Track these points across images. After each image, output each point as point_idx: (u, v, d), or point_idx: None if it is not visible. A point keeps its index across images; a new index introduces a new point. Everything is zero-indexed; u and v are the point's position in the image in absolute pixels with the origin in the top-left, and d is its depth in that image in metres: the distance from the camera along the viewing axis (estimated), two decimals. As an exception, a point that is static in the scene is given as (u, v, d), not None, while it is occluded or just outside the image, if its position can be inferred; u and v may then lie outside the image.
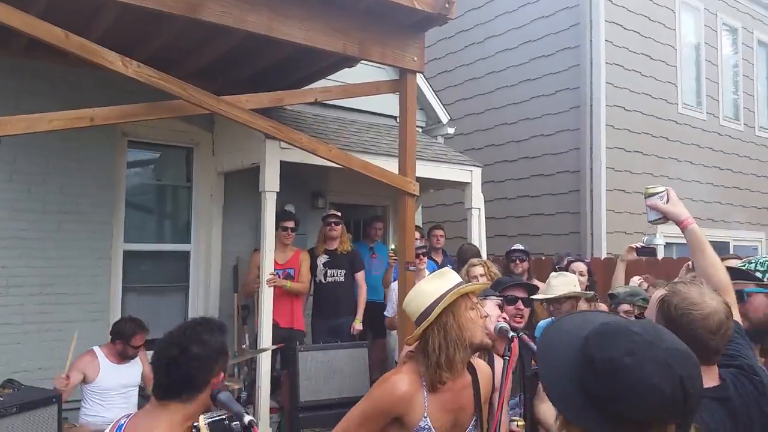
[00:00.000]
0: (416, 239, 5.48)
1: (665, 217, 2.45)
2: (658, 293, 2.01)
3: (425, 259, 5.62)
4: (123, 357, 4.55)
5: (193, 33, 4.73)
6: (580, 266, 5.29)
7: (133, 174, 6.38)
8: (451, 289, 2.31)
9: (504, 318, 2.81)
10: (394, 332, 6.14)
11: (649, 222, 2.57)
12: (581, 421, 1.14)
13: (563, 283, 4.22)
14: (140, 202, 6.48)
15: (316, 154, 4.63)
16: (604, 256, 8.06)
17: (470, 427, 2.44)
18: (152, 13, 3.72)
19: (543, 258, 7.63)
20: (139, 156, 6.41)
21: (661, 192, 2.48)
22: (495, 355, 2.83)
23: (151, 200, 6.65)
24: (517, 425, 2.72)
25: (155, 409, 1.98)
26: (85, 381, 4.46)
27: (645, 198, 2.53)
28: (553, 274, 4.43)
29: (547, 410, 3.17)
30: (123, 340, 4.52)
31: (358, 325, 6.12)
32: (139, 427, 1.96)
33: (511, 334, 2.38)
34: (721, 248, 9.07)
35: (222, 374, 2.04)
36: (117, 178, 5.92)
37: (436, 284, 2.35)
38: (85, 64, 3.70)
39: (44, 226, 5.39)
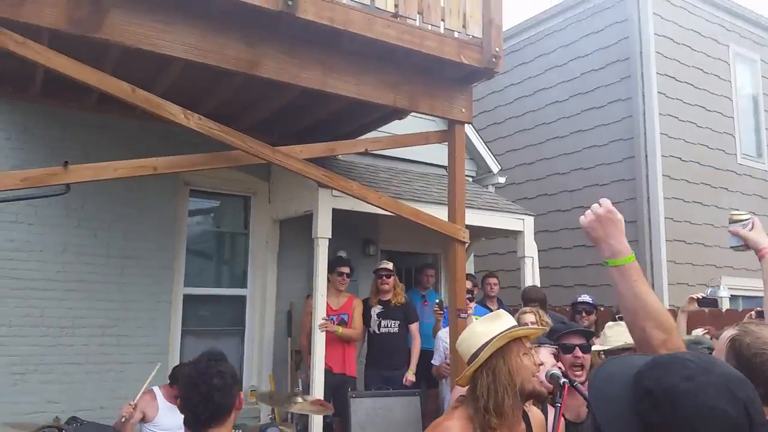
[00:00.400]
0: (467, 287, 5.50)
1: (746, 245, 2.42)
2: (728, 333, 1.94)
3: (473, 305, 5.62)
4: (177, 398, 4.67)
5: (251, 89, 5.01)
6: None
7: (194, 221, 6.66)
8: (503, 332, 2.28)
9: (560, 367, 2.75)
10: (445, 381, 6.08)
11: (730, 247, 2.57)
12: None
13: (618, 333, 4.12)
14: (200, 249, 6.74)
15: (366, 201, 4.75)
16: (667, 307, 7.80)
17: None
18: (214, 69, 3.98)
19: (602, 309, 7.45)
20: (199, 204, 6.71)
21: (746, 220, 2.49)
22: (548, 405, 2.77)
23: (211, 247, 6.90)
24: None
25: None
26: (143, 420, 4.59)
27: (729, 224, 2.53)
28: (608, 324, 4.30)
29: None
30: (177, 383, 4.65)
31: (411, 376, 6.09)
32: None
33: (563, 380, 2.33)
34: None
35: (240, 395, 2.32)
36: (178, 225, 6.19)
37: (489, 326, 2.33)
38: (150, 117, 3.97)
39: (108, 270, 5.67)
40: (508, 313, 2.43)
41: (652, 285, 8.16)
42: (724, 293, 8.67)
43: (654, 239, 8.20)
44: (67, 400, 5.21)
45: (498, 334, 2.28)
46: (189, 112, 3.88)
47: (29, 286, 5.30)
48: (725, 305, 7.84)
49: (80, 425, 3.54)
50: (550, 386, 2.44)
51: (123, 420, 4.27)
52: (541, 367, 2.36)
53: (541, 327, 2.44)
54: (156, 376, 4.56)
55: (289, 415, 6.07)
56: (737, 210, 2.57)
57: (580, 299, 5.71)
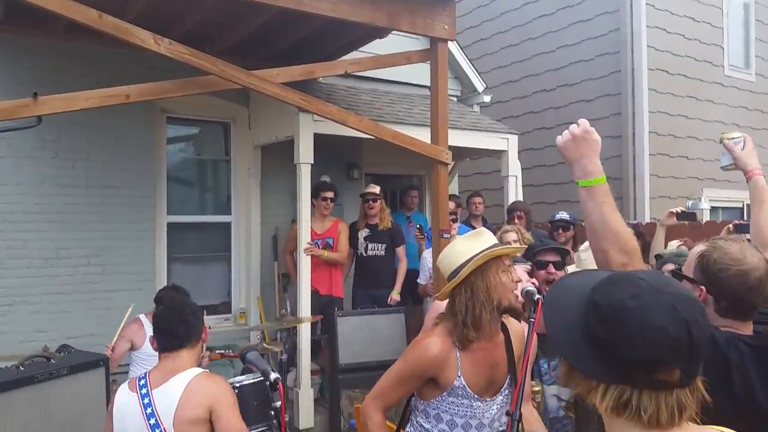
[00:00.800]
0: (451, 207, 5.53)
1: (735, 164, 2.43)
2: (698, 248, 1.99)
3: (456, 225, 5.67)
4: None
5: (224, 10, 4.80)
6: None
7: (174, 149, 6.56)
8: (483, 251, 2.31)
9: (534, 284, 2.78)
10: (430, 298, 6.22)
11: (721, 167, 2.56)
12: (587, 368, 1.13)
13: (591, 258, 4.16)
14: (181, 176, 6.67)
15: (346, 125, 4.67)
16: (647, 221, 7.92)
17: (505, 384, 2.46)
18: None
19: (584, 224, 7.54)
20: (178, 131, 6.58)
21: (737, 137, 2.46)
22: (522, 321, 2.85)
23: (192, 174, 6.83)
24: (533, 390, 2.74)
25: (171, 360, 2.43)
26: (132, 348, 4.66)
27: (720, 142, 2.50)
28: (582, 246, 4.33)
29: None
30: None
31: (396, 296, 6.20)
32: (165, 374, 2.39)
33: (537, 296, 2.36)
34: None
35: (205, 328, 2.58)
36: (157, 152, 6.09)
37: (469, 244, 2.36)
38: (119, 44, 3.80)
39: (88, 201, 5.61)
40: (489, 231, 2.44)
41: (634, 199, 8.25)
42: (704, 205, 8.79)
43: (638, 154, 8.20)
44: (57, 329, 5.28)
45: (478, 254, 2.30)
46: (159, 37, 3.73)
47: (8, 219, 5.25)
48: (705, 217, 7.95)
49: (69, 353, 3.58)
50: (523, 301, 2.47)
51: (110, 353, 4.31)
52: (518, 284, 2.39)
53: (520, 246, 2.45)
54: (131, 315, 4.58)
55: (278, 335, 6.22)
56: (729, 131, 2.54)
57: (557, 217, 5.78)
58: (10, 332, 5.14)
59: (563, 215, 5.91)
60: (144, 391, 2.37)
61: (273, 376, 1.97)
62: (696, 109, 8.75)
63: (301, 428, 5.52)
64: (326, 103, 4.64)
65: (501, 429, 2.46)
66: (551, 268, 3.26)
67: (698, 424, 1.13)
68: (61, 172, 5.49)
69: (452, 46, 6.96)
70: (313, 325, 6.04)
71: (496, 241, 2.42)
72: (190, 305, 2.59)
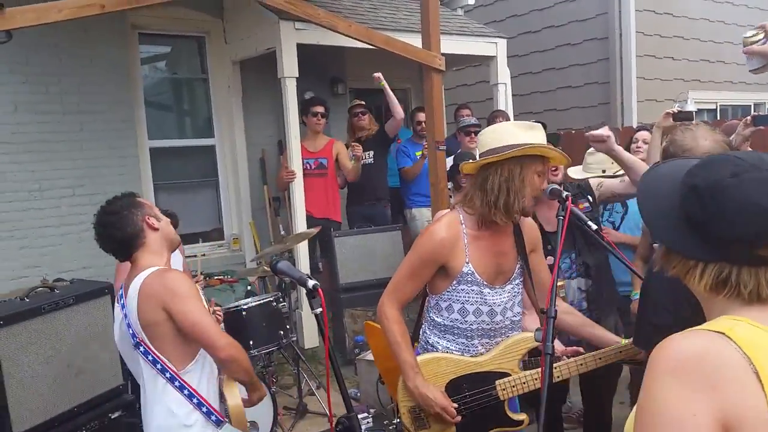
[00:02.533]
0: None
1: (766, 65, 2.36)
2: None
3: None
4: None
5: None
6: (645, 135, 5.12)
7: (149, 70, 6.23)
8: (536, 144, 2.25)
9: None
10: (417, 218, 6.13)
11: (750, 71, 2.46)
12: (685, 250, 1.13)
13: (600, 161, 4.09)
14: (159, 99, 6.37)
15: (335, 31, 4.43)
16: (635, 125, 7.85)
17: (516, 273, 2.47)
18: None
19: (573, 132, 7.45)
20: (152, 50, 6.22)
21: (761, 38, 2.36)
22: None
23: (170, 96, 6.52)
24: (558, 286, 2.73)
25: (134, 267, 2.31)
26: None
27: (744, 47, 2.40)
28: (589, 150, 4.30)
29: None
30: None
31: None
32: (129, 279, 2.27)
33: (565, 193, 2.31)
34: None
35: (147, 218, 2.33)
36: (132, 73, 5.76)
37: (521, 131, 2.28)
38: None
39: (66, 128, 5.31)
40: (542, 129, 2.34)
41: (621, 103, 8.14)
42: (691, 107, 8.73)
43: (625, 55, 8.03)
44: (49, 263, 5.12)
45: (532, 144, 2.24)
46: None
47: (-17, 151, 4.96)
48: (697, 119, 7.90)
49: (71, 283, 3.45)
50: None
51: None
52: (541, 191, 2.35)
53: (565, 156, 2.35)
54: None
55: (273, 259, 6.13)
56: (749, 32, 2.42)
57: (468, 122, 5.78)
58: (2, 269, 4.96)
59: (472, 120, 5.85)
60: (122, 301, 2.29)
61: (311, 283, 1.87)
62: (683, 6, 8.53)
63: (306, 348, 5.55)
64: (313, 6, 4.36)
65: (515, 318, 2.49)
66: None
67: None
68: (35, 98, 5.16)
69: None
70: (311, 250, 5.94)
71: (545, 142, 2.33)
72: (112, 211, 2.36)
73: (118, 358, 3.30)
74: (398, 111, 5.81)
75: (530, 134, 2.27)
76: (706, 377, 0.98)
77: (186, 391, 2.21)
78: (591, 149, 4.28)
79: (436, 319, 2.47)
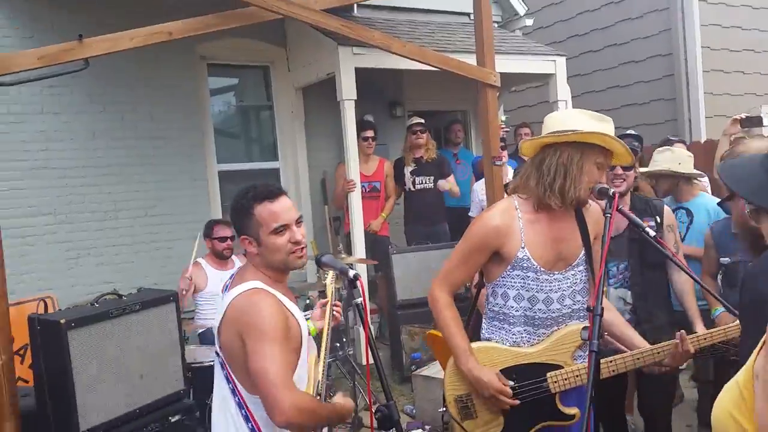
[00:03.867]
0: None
1: None
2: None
3: (506, 153, 5.54)
4: (220, 257, 4.79)
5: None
6: (681, 147, 5.01)
7: (217, 97, 6.55)
8: (600, 132, 2.21)
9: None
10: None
11: None
12: None
13: (667, 159, 4.03)
14: (227, 125, 6.69)
15: (390, 51, 4.54)
16: (703, 141, 7.61)
17: (579, 259, 2.37)
18: None
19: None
20: (220, 80, 6.55)
21: None
22: None
23: (237, 122, 6.83)
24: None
25: (242, 270, 2.12)
26: (195, 290, 4.75)
27: None
28: (659, 149, 4.25)
29: (680, 278, 3.03)
30: (209, 237, 4.76)
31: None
32: (236, 279, 2.08)
33: (612, 191, 2.25)
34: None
35: (245, 238, 2.03)
36: (201, 101, 6.09)
37: (589, 119, 2.26)
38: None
39: (140, 153, 5.67)
40: (612, 123, 2.31)
41: (689, 120, 7.90)
42: (765, 122, 8.38)
43: (691, 71, 7.82)
44: (122, 279, 5.41)
45: (596, 131, 2.20)
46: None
47: (67, 175, 5.34)
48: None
49: (140, 290, 3.65)
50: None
51: (184, 292, 4.40)
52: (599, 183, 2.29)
53: (629, 152, 2.32)
54: (199, 249, 4.66)
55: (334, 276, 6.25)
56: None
57: (627, 132, 5.57)
58: (79, 284, 5.29)
59: (632, 131, 5.72)
60: (225, 294, 2.09)
61: (352, 272, 1.93)
62: (751, 18, 8.25)
63: (363, 363, 5.58)
64: (368, 29, 4.51)
65: (575, 307, 2.39)
66: (618, 169, 3.11)
67: None
68: (111, 125, 5.54)
69: (490, -30, 6.69)
70: (370, 267, 6.07)
71: (613, 134, 2.30)
72: (235, 200, 2.08)
73: (181, 364, 3.48)
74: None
75: (598, 124, 2.23)
76: None
77: (249, 425, 1.98)
78: (660, 148, 4.24)
79: (492, 307, 2.41)
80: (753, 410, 1.02)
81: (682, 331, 2.35)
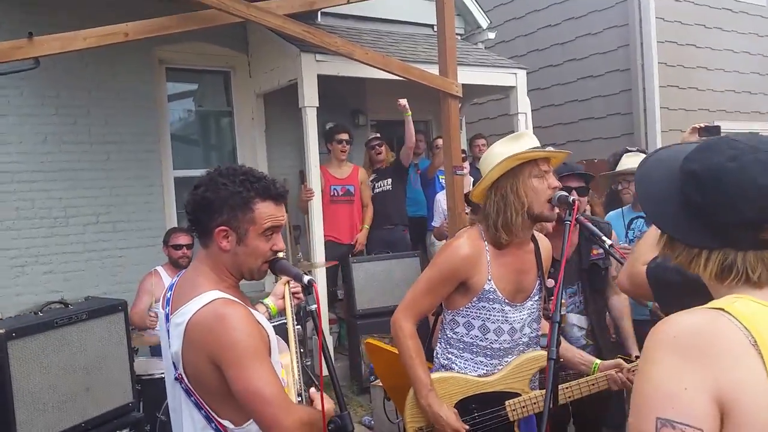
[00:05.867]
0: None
1: None
2: None
3: (467, 164, 5.57)
4: (176, 266, 4.64)
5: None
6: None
7: (175, 102, 6.41)
8: (515, 154, 2.22)
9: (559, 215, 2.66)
10: (437, 244, 6.13)
11: None
12: (688, 237, 1.10)
13: (635, 162, 4.08)
14: (185, 130, 6.54)
15: (352, 58, 4.51)
16: (658, 154, 7.78)
17: (535, 290, 2.42)
18: None
19: (596, 161, 7.40)
20: (178, 84, 6.41)
21: None
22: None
23: (195, 127, 6.69)
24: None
25: (196, 262, 1.85)
26: (157, 300, 4.58)
27: None
28: (627, 153, 4.32)
29: (619, 302, 3.10)
30: (165, 245, 4.62)
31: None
32: (186, 289, 1.78)
33: (572, 198, 2.25)
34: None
35: (225, 230, 1.75)
36: (159, 106, 5.94)
37: (506, 146, 2.27)
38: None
39: (93, 157, 5.50)
40: (531, 134, 2.35)
41: (645, 133, 8.08)
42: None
43: (647, 86, 8.00)
44: (71, 288, 5.22)
45: (510, 155, 2.22)
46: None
47: (15, 179, 5.14)
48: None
49: (87, 299, 3.50)
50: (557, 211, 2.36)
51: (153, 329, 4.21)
52: (554, 189, 2.29)
53: (556, 151, 2.34)
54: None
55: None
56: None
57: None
58: (26, 293, 5.08)
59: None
60: (167, 309, 1.80)
61: (306, 278, 1.86)
62: (705, 37, 8.51)
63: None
64: (331, 35, 4.47)
65: (532, 335, 2.44)
66: (574, 194, 3.12)
67: None
68: (63, 129, 5.36)
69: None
70: (333, 277, 5.97)
71: (537, 145, 2.31)
72: (204, 188, 1.78)
73: (129, 375, 3.34)
74: (410, 138, 5.89)
75: (514, 144, 2.26)
76: (701, 351, 0.96)
77: None
78: (629, 153, 4.31)
79: (451, 335, 2.41)
80: None
81: (619, 360, 2.43)
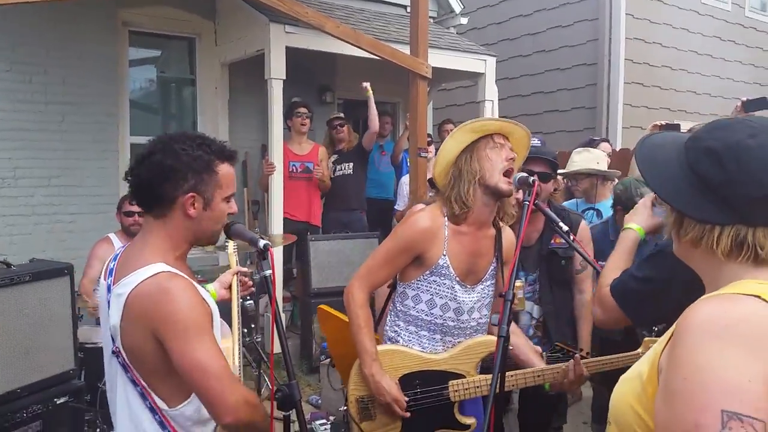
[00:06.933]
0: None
1: None
2: None
3: (432, 148, 5.55)
4: (128, 233, 4.49)
5: None
6: (607, 146, 5.15)
7: (137, 68, 6.21)
8: (466, 125, 2.28)
9: (517, 199, 2.64)
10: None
11: None
12: (700, 213, 1.09)
13: (586, 159, 4.08)
14: (145, 96, 6.36)
15: (323, 31, 4.43)
16: (618, 149, 7.89)
17: (488, 275, 2.43)
18: None
19: (557, 153, 7.46)
20: (141, 49, 6.22)
21: None
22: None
23: (156, 94, 6.51)
24: (516, 286, 2.64)
25: (143, 233, 1.76)
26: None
27: None
28: (577, 149, 4.30)
29: (580, 302, 3.01)
30: (118, 211, 4.46)
31: None
32: (128, 260, 1.70)
33: (532, 178, 2.24)
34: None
35: (193, 196, 1.68)
36: (120, 69, 5.76)
37: (465, 126, 2.31)
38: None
39: (47, 118, 5.30)
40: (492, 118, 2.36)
41: (607, 128, 8.18)
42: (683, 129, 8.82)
43: (612, 81, 8.11)
44: (17, 252, 5.02)
45: (462, 126, 2.28)
46: None
47: (-39, 135, 4.92)
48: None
49: (32, 260, 3.36)
50: (513, 187, 2.34)
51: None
52: (511, 161, 2.30)
53: (512, 121, 2.34)
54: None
55: (248, 260, 6.05)
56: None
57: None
58: (-32, 254, 4.87)
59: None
60: (109, 280, 1.71)
61: (262, 242, 1.81)
62: (672, 37, 8.64)
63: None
64: (301, 4, 4.37)
65: (481, 320, 2.44)
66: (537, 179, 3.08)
67: None
68: (17, 86, 5.15)
69: (429, -37, 6.68)
70: (288, 255, 5.90)
71: (497, 119, 2.37)
72: (161, 155, 1.67)
73: (72, 342, 3.23)
74: (374, 123, 5.84)
75: (470, 127, 2.29)
76: (758, 341, 0.93)
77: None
78: (578, 149, 4.30)
79: (400, 307, 2.42)
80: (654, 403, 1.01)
81: (577, 355, 2.39)
